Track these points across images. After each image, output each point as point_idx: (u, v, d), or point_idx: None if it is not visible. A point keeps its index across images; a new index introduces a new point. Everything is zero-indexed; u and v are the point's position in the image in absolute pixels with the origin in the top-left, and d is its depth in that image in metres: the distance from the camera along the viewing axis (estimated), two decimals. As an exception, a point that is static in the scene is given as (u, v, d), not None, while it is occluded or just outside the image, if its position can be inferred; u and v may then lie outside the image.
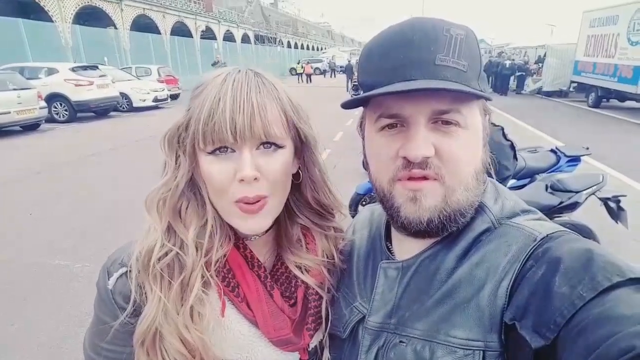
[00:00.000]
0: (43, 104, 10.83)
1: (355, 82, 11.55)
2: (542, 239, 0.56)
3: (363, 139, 0.69)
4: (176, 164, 0.69)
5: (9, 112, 9.69)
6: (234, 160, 0.64)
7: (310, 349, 0.76)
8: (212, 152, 0.65)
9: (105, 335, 0.68)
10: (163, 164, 0.72)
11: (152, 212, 0.69)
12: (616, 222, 3.22)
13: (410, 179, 0.59)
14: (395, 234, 0.73)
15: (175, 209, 0.69)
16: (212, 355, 0.66)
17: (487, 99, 0.61)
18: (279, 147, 0.67)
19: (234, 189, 0.64)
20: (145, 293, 0.65)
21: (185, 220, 0.69)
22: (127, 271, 0.67)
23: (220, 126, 0.61)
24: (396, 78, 0.56)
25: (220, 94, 0.63)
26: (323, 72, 40.12)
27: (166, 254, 0.66)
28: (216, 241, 0.68)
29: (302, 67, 32.22)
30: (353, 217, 0.93)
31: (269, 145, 0.66)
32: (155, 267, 0.65)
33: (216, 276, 0.69)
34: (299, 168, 0.76)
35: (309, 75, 31.71)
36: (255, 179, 0.63)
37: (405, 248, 0.69)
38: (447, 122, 0.58)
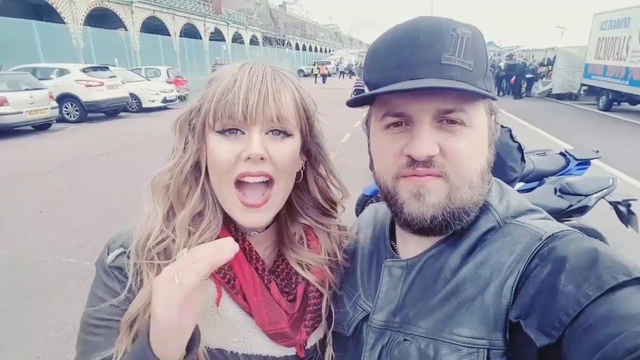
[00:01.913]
0: (54, 104, 10.98)
1: (357, 85, 11.48)
2: (547, 238, 0.56)
3: (368, 136, 0.70)
4: (184, 148, 0.70)
5: (22, 112, 9.83)
6: (242, 141, 0.65)
7: (308, 347, 0.76)
8: (222, 132, 0.66)
9: (99, 312, 0.67)
10: (172, 150, 0.73)
11: (157, 195, 0.70)
12: (626, 226, 3.19)
13: (414, 176, 0.59)
14: (399, 233, 0.73)
15: (179, 193, 0.70)
16: (203, 344, 0.66)
17: (493, 98, 0.61)
18: (287, 135, 0.68)
19: (238, 167, 0.65)
20: (141, 277, 0.66)
21: (186, 205, 0.69)
22: (126, 252, 0.67)
23: (232, 103, 0.63)
24: (402, 77, 0.56)
25: (236, 76, 0.65)
26: (340, 74, 40.63)
27: (163, 240, 0.67)
28: (204, 225, 0.68)
29: (317, 69, 32.95)
30: None
31: (277, 132, 0.67)
32: (152, 252, 0.65)
33: None
34: (302, 168, 0.76)
35: (324, 76, 32.27)
36: (262, 158, 0.64)
37: (410, 247, 0.69)
38: (452, 121, 0.58)
